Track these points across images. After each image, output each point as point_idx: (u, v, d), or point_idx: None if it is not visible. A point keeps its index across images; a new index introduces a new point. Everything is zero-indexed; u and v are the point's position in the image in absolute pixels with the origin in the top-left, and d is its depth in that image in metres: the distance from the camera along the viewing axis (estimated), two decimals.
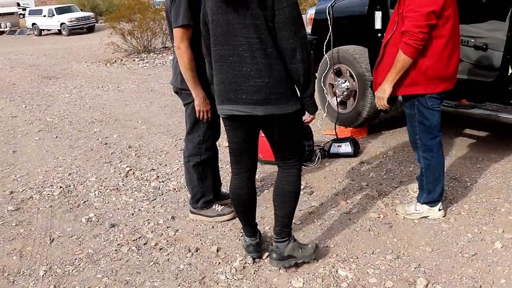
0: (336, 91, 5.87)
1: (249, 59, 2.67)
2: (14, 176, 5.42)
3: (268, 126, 2.88)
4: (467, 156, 4.98)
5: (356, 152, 5.18)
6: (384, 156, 5.15)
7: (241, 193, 3.12)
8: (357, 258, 3.25)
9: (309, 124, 5.36)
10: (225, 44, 2.72)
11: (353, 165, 4.94)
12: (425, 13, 3.17)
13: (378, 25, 4.63)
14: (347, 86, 5.75)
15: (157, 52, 15.98)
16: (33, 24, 33.81)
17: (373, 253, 3.30)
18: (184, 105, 3.77)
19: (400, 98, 3.69)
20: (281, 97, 2.72)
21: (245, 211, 3.19)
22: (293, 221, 3.24)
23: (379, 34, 4.68)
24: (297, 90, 2.80)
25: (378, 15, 4.65)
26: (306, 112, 2.92)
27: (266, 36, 2.63)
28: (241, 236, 3.46)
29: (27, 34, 34.45)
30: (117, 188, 4.82)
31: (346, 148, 5.16)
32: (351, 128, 5.79)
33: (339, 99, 5.86)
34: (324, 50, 5.78)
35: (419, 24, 3.18)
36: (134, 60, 14.85)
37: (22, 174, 5.44)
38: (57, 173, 5.37)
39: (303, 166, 4.92)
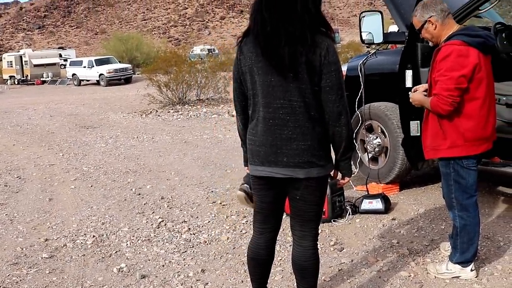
0: (368, 147, 5.91)
1: (292, 122, 2.65)
2: (49, 223, 5.55)
3: (298, 187, 2.78)
4: (500, 215, 4.91)
5: (387, 208, 5.16)
6: (416, 213, 5.11)
7: (262, 253, 3.00)
8: None
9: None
10: (265, 106, 2.68)
11: (384, 222, 4.91)
12: (455, 77, 3.25)
13: (409, 83, 4.69)
14: (379, 142, 5.79)
15: (192, 104, 16.32)
16: (73, 74, 35.00)
17: None
18: None
19: None
20: (321, 159, 2.71)
21: (261, 272, 3.08)
22: (322, 278, 3.22)
23: (410, 93, 4.73)
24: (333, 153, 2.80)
25: (408, 73, 4.72)
26: (339, 174, 2.91)
27: (311, 99, 2.63)
28: None
29: (67, 84, 35.68)
30: (148, 239, 4.89)
31: (377, 204, 5.15)
32: (383, 184, 5.78)
33: (370, 155, 5.88)
34: (356, 106, 5.86)
35: (448, 87, 3.26)
36: (169, 112, 15.18)
37: (57, 222, 5.57)
38: (91, 222, 5.48)
39: (333, 222, 4.92)
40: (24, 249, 4.82)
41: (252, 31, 2.69)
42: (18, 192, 7.01)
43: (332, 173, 2.89)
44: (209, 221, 5.30)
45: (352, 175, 5.92)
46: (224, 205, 5.79)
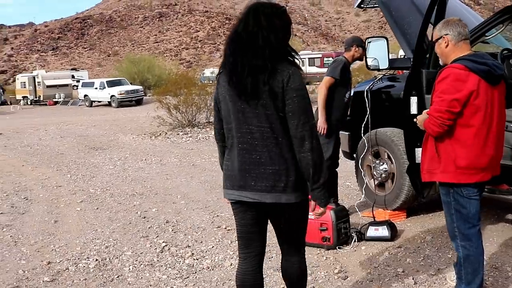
0: (374, 173, 5.87)
1: (260, 146, 2.75)
2: (53, 246, 5.53)
3: (275, 214, 2.92)
4: (508, 244, 4.83)
5: (394, 236, 5.10)
6: (422, 241, 5.04)
7: (249, 279, 3.01)
8: None
9: (345, 206, 5.40)
10: (236, 131, 2.81)
11: (390, 250, 4.84)
12: (448, 100, 3.25)
13: (414, 110, 4.66)
14: (385, 168, 5.74)
15: (201, 126, 16.35)
16: (85, 95, 35.34)
17: None
18: None
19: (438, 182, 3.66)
20: (290, 185, 2.76)
21: None
22: None
23: (415, 119, 4.69)
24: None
25: (413, 100, 4.69)
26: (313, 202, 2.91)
27: (277, 125, 2.72)
28: None
29: (79, 105, 36.00)
30: (151, 264, 4.85)
31: (383, 231, 5.08)
32: (389, 211, 5.72)
33: (377, 181, 5.83)
34: (362, 132, 5.83)
35: (440, 109, 3.27)
36: (178, 134, 15.22)
37: (61, 245, 5.55)
38: (95, 245, 5.45)
39: (338, 249, 4.87)
40: (26, 272, 4.80)
41: (223, 63, 2.86)
42: (24, 213, 7.01)
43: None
44: (213, 246, 5.26)
45: (358, 201, 5.95)
46: (229, 230, 5.74)
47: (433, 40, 3.63)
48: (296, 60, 2.79)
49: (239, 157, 2.81)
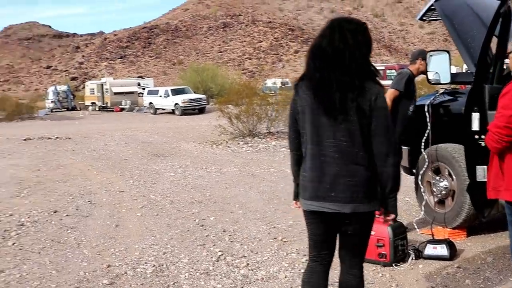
0: (434, 189, 5.74)
1: (340, 159, 2.86)
2: (113, 250, 5.72)
3: (348, 224, 2.98)
4: None
5: (453, 255, 4.96)
6: (483, 262, 4.88)
7: (314, 278, 3.13)
8: None
9: (403, 222, 5.30)
10: (318, 143, 2.91)
11: (448, 270, 4.72)
12: (507, 116, 3.18)
13: (475, 126, 4.54)
14: (446, 185, 5.61)
15: (261, 136, 16.46)
16: (150, 103, 36.25)
17: None
18: None
19: (501, 200, 3.56)
20: (367, 196, 2.89)
21: None
22: None
23: (476, 136, 4.57)
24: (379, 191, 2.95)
25: (475, 116, 4.57)
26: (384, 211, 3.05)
27: (358, 139, 2.84)
28: None
29: (144, 112, 37.00)
30: (207, 272, 4.93)
31: (442, 250, 4.96)
32: (449, 229, 5.57)
33: (436, 198, 5.70)
34: (423, 147, 5.72)
35: (498, 124, 3.21)
36: (238, 143, 15.38)
37: (121, 249, 5.73)
38: (153, 251, 5.59)
39: (394, 266, 4.79)
40: (87, 273, 4.99)
41: (306, 76, 2.95)
42: (88, 216, 7.28)
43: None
44: (268, 258, 5.28)
45: (416, 218, 5.83)
46: (285, 241, 5.76)
47: (508, 52, 3.56)
48: (377, 78, 2.91)
49: (320, 169, 2.91)
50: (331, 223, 3.00)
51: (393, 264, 4.82)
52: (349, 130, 2.83)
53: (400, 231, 4.93)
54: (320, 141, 2.89)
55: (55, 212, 7.50)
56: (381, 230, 4.69)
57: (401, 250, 4.92)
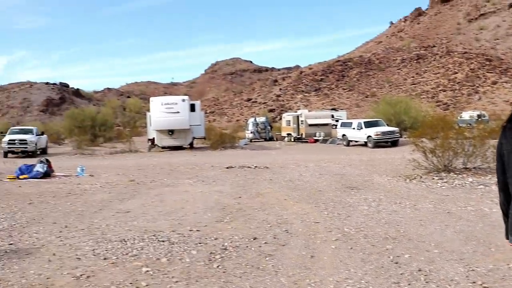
0: None
1: None
2: (309, 280, 5.94)
3: None
4: None
5: None
6: None
7: None
8: None
9: None
10: None
11: None
12: None
13: None
14: None
15: (457, 172, 15.70)
16: (343, 135, 36.70)
17: None
18: None
19: None
20: None
21: None
22: None
23: None
24: None
25: None
26: None
27: None
28: None
29: (337, 144, 37.53)
30: None
31: None
32: None
33: None
34: None
35: None
36: (433, 179, 14.86)
37: (316, 280, 5.93)
38: (347, 285, 5.70)
39: None
40: None
41: None
42: (285, 245, 7.64)
43: None
44: None
45: None
46: (485, 287, 5.47)
47: None
48: None
49: None
50: None
51: None
52: None
53: None
54: None
55: (254, 239, 8.00)
56: None
57: None
